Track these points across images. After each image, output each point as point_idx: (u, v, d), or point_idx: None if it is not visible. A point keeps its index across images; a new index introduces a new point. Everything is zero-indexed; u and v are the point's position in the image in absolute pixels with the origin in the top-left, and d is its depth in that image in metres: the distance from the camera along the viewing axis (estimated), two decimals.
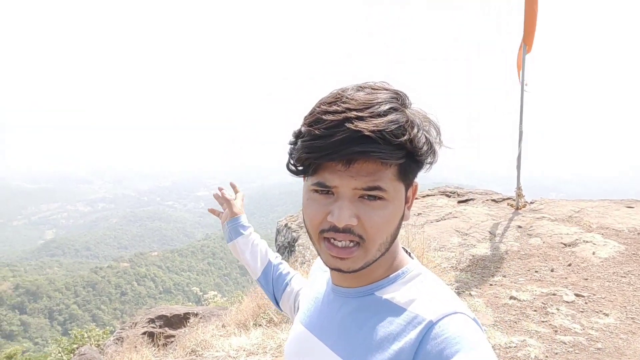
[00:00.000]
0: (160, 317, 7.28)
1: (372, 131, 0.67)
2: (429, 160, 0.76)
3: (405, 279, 0.81)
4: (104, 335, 9.61)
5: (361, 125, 0.67)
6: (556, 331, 3.37)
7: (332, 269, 0.79)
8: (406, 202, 0.79)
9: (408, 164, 0.73)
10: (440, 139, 0.78)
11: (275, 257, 1.31)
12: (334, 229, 0.73)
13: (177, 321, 7.06)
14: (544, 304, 3.83)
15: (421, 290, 0.79)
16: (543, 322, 3.52)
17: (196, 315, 6.76)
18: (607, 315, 3.63)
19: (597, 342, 3.21)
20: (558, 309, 3.71)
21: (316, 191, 0.75)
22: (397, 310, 0.77)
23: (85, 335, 9.47)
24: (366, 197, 0.72)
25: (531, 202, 6.97)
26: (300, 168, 0.75)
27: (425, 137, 0.74)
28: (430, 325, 0.71)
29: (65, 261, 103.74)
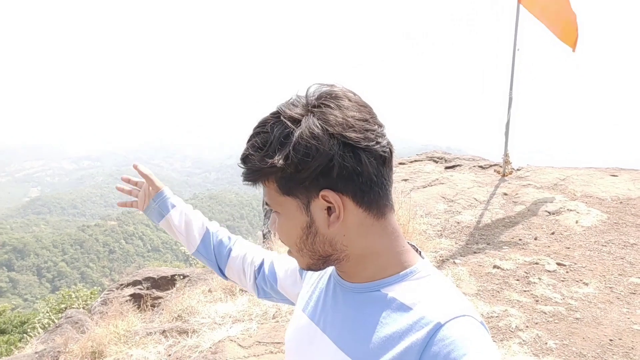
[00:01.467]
0: (147, 279, 7.32)
1: (240, 159, 0.80)
2: (302, 175, 0.74)
3: (413, 278, 0.80)
4: (92, 296, 9.68)
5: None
6: (537, 301, 3.44)
7: None
8: (332, 212, 0.76)
9: (281, 181, 0.76)
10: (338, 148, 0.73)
11: (213, 226, 1.28)
12: None
13: (165, 283, 7.10)
14: (526, 273, 3.90)
15: (429, 290, 0.78)
16: (525, 291, 3.59)
17: (183, 277, 6.80)
18: (586, 284, 3.71)
19: (576, 311, 3.28)
20: (540, 279, 3.78)
21: None
22: (403, 308, 0.76)
23: (73, 296, 9.53)
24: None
25: (518, 169, 7.00)
26: None
27: (289, 154, 0.73)
28: (438, 327, 0.70)
29: (52, 219, 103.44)
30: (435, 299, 0.75)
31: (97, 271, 68.85)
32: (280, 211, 0.80)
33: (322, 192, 0.75)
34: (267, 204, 0.82)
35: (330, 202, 0.76)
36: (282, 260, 1.18)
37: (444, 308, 0.72)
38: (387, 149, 0.76)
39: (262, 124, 0.78)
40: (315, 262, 0.83)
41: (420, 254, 0.86)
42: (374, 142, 0.74)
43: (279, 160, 0.74)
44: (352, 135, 0.73)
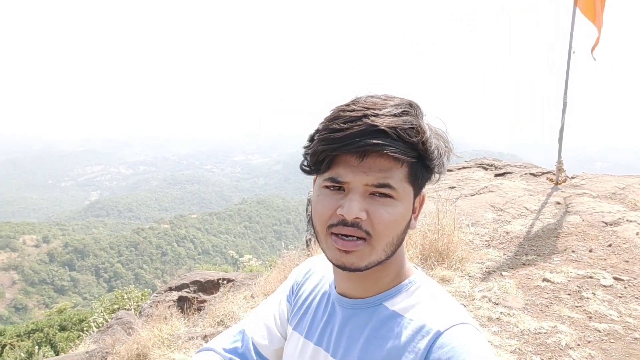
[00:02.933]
0: (194, 283, 7.52)
1: (388, 126, 0.71)
2: (437, 169, 0.78)
3: (411, 289, 0.82)
4: (143, 297, 10.05)
5: (377, 120, 0.71)
6: (590, 317, 3.23)
7: (336, 265, 0.78)
8: (413, 211, 0.80)
9: (419, 167, 0.76)
10: (449, 151, 0.80)
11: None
12: (343, 222, 0.74)
13: (211, 287, 7.26)
14: (579, 287, 3.68)
15: (428, 300, 0.80)
16: (577, 307, 3.39)
17: (228, 282, 6.92)
18: None
19: (634, 331, 3.06)
20: (594, 294, 3.56)
21: (327, 187, 0.76)
22: (405, 321, 0.78)
23: (125, 297, 9.92)
24: (377, 195, 0.74)
25: (572, 177, 6.67)
26: (313, 167, 0.77)
27: (436, 145, 0.77)
28: (438, 335, 0.73)
29: (109, 222, 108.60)
30: (434, 308, 0.78)
31: (150, 272, 71.47)
32: (399, 198, 0.75)
33: (423, 192, 0.81)
34: (383, 185, 0.73)
35: (420, 202, 0.82)
36: (258, 328, 0.99)
37: (443, 316, 0.75)
38: None
39: (415, 106, 0.77)
40: (384, 259, 0.78)
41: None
42: None
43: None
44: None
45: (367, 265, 0.76)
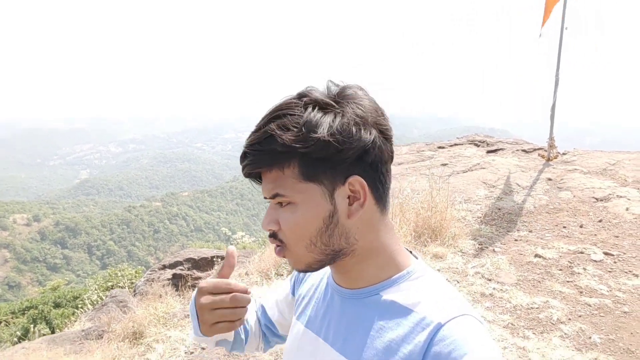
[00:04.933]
0: (188, 260, 7.53)
1: (246, 146, 0.74)
2: (342, 156, 0.71)
3: (410, 280, 0.80)
4: (137, 275, 10.06)
5: (245, 142, 0.74)
6: (581, 292, 3.29)
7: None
8: (356, 199, 0.75)
9: (310, 161, 0.71)
10: (368, 133, 0.73)
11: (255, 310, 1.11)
12: (269, 235, 0.79)
13: (205, 264, 7.29)
14: (570, 262, 3.74)
15: (428, 291, 0.78)
16: (568, 282, 3.44)
17: (222, 259, 6.94)
18: (636, 276, 3.52)
19: (624, 304, 3.13)
20: (585, 269, 3.62)
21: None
22: (404, 311, 0.76)
23: (119, 274, 9.93)
24: (281, 204, 0.76)
25: (563, 153, 6.71)
26: None
27: (329, 130, 0.70)
28: (439, 327, 0.70)
29: (100, 200, 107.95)
30: (434, 300, 0.75)
31: (142, 250, 71.61)
32: (298, 200, 0.73)
33: (351, 179, 0.74)
34: (274, 195, 0.75)
35: (354, 190, 0.75)
36: (269, 300, 1.09)
37: (444, 308, 0.73)
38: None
39: (287, 106, 0.73)
40: (323, 258, 0.77)
41: (411, 254, 0.86)
42: (392, 135, 0.77)
43: (322, 136, 0.70)
44: (386, 124, 0.75)
45: (307, 267, 0.78)
